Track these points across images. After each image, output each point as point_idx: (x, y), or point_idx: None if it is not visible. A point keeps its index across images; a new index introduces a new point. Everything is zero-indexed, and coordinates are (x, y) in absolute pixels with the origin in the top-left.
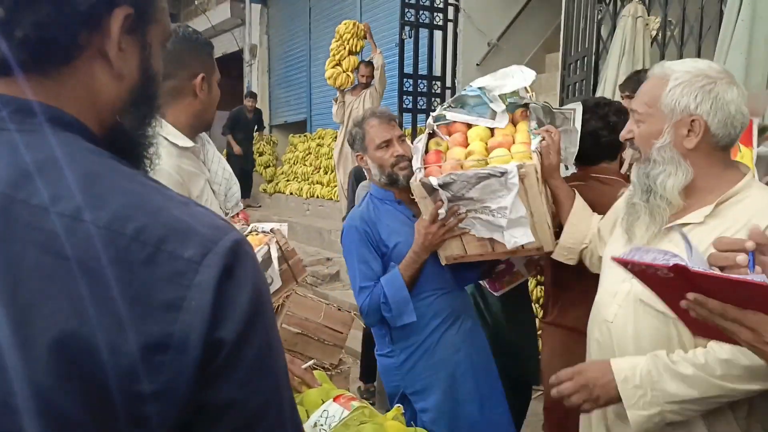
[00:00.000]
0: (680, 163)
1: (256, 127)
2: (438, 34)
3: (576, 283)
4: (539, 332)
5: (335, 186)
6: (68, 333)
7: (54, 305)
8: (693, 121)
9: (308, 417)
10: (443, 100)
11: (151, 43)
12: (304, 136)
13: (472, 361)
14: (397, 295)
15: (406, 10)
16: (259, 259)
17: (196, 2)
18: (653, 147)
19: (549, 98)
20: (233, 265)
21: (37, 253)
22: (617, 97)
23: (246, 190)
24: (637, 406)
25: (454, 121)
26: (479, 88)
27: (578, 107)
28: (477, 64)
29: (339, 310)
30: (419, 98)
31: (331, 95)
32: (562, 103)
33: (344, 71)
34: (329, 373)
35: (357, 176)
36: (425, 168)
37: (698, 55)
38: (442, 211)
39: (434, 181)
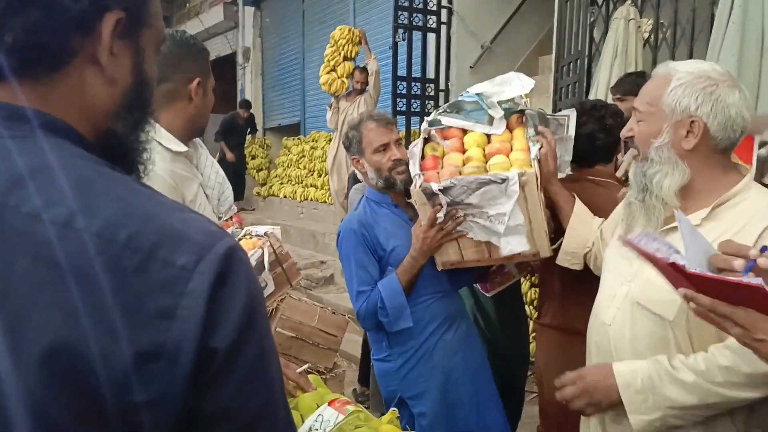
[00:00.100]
0: (677, 164)
1: (249, 130)
2: (431, 37)
3: (571, 285)
4: (533, 334)
5: (329, 189)
6: (60, 342)
7: (45, 313)
8: (692, 122)
9: (303, 421)
10: (437, 103)
11: (144, 48)
12: (298, 138)
13: (468, 364)
14: (395, 300)
15: (400, 12)
16: (253, 262)
17: (186, 6)
18: (651, 146)
19: (542, 100)
20: (227, 272)
21: (28, 261)
22: (610, 100)
23: (239, 192)
24: (638, 410)
25: (450, 126)
26: (477, 94)
27: (572, 114)
28: (470, 67)
29: (333, 313)
30: (413, 101)
31: (324, 98)
32: (555, 106)
33: (339, 77)
34: (324, 377)
35: (357, 179)
36: (423, 174)
37: (690, 58)
38: (440, 215)
39: (435, 186)
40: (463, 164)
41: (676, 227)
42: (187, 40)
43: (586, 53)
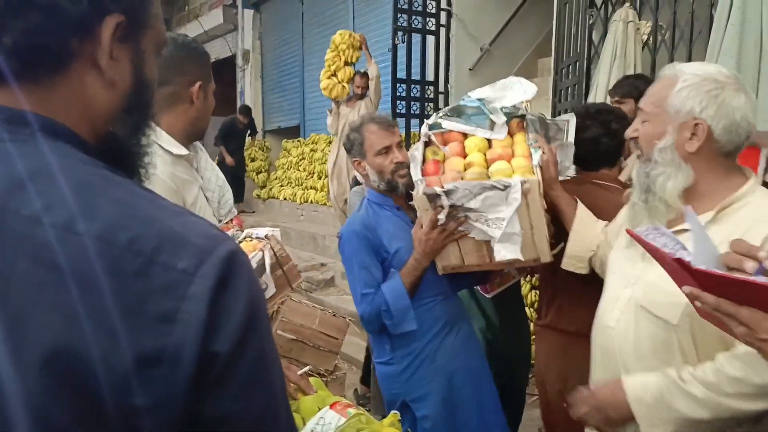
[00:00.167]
0: (681, 166)
1: (249, 132)
2: (431, 39)
3: (571, 286)
4: (533, 336)
5: (328, 192)
6: (60, 345)
7: (46, 316)
8: (696, 124)
9: (304, 424)
10: (436, 105)
11: (144, 51)
12: (298, 141)
13: (469, 366)
14: (399, 302)
15: (399, 15)
16: (254, 265)
17: (186, 8)
18: (655, 147)
19: (541, 102)
20: (228, 275)
21: (29, 265)
22: (608, 102)
23: (239, 195)
24: (651, 424)
25: (450, 131)
26: (479, 99)
27: (572, 118)
28: (469, 69)
29: (334, 316)
30: (412, 103)
31: (324, 100)
32: (554, 108)
33: (340, 82)
34: (324, 379)
35: (357, 183)
36: (425, 179)
37: (689, 60)
38: (441, 217)
39: (438, 189)
40: (465, 169)
41: (680, 230)
42: (189, 44)
43: (585, 55)
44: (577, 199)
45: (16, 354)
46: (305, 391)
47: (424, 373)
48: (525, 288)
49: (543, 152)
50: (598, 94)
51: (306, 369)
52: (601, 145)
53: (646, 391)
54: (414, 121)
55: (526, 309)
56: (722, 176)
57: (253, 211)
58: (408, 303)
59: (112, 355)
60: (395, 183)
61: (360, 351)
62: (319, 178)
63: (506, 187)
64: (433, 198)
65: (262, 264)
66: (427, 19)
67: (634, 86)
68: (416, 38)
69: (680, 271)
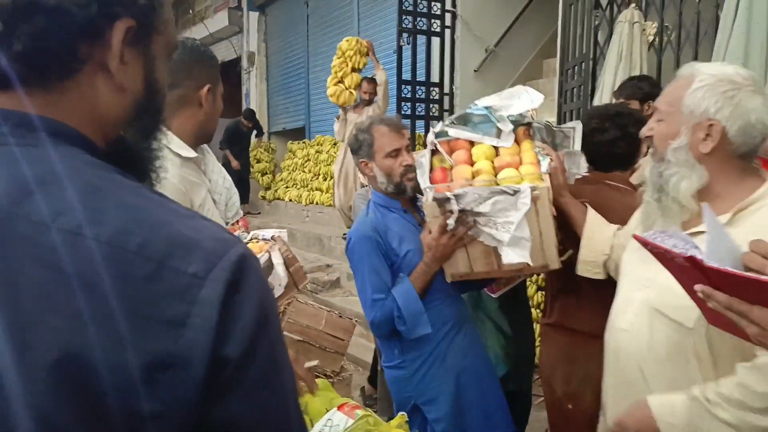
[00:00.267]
0: (695, 167)
1: (255, 133)
2: (435, 41)
3: (578, 285)
4: (538, 337)
5: (333, 194)
6: (69, 350)
7: (55, 322)
8: (711, 125)
9: (312, 426)
10: (441, 107)
11: (155, 56)
12: (303, 142)
13: (477, 366)
14: (412, 307)
15: (404, 17)
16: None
17: (191, 11)
18: (669, 147)
19: (546, 103)
20: (239, 279)
21: (39, 270)
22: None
23: (244, 196)
24: None
25: (457, 138)
26: (486, 107)
27: (577, 126)
28: (474, 71)
29: (340, 316)
30: (417, 105)
31: (330, 102)
32: (560, 109)
33: (347, 88)
34: (331, 380)
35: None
36: (434, 187)
37: (695, 61)
38: (450, 222)
39: (448, 193)
40: (473, 177)
41: (695, 233)
42: (198, 48)
43: (591, 56)
44: (587, 205)
45: (24, 358)
46: (309, 386)
47: (435, 374)
48: (531, 289)
49: (551, 159)
50: (604, 96)
51: (314, 363)
52: (618, 148)
53: (675, 415)
54: (419, 123)
55: (533, 310)
56: (737, 178)
57: (259, 213)
58: (421, 307)
59: (121, 360)
60: (404, 186)
61: (366, 352)
62: (325, 179)
63: (516, 192)
64: (442, 203)
65: (269, 265)
66: (432, 20)
67: (638, 88)
68: (421, 40)
69: (691, 270)
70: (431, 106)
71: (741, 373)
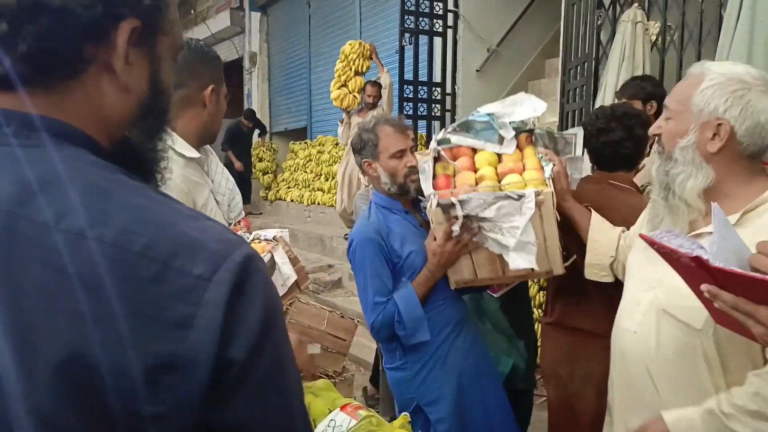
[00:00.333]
0: (701, 166)
1: (259, 132)
2: (438, 41)
3: (579, 284)
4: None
5: (336, 193)
6: (73, 352)
7: (59, 324)
8: (719, 125)
9: (315, 426)
10: (443, 107)
11: (160, 56)
12: (305, 143)
13: (478, 367)
14: (413, 313)
15: (406, 17)
16: None
17: (193, 12)
18: (677, 146)
19: (549, 103)
20: (244, 281)
21: (43, 271)
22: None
23: (246, 196)
24: None
25: (459, 145)
26: (488, 114)
27: (579, 132)
28: (477, 70)
29: (342, 317)
30: (420, 104)
31: (331, 102)
32: (562, 108)
33: (351, 92)
34: (333, 380)
35: None
36: (437, 193)
37: (698, 60)
38: (456, 228)
39: (453, 199)
40: (476, 183)
41: (701, 234)
42: (202, 48)
43: (593, 56)
44: (591, 209)
45: (27, 360)
46: (307, 372)
47: (437, 376)
48: (533, 289)
49: (554, 164)
50: (607, 95)
51: (317, 349)
52: (623, 149)
53: (692, 431)
54: (421, 123)
55: (534, 310)
56: (746, 178)
57: (260, 213)
58: (422, 314)
59: (126, 362)
60: (407, 187)
61: (368, 352)
62: (327, 179)
63: (520, 197)
64: (447, 209)
65: (271, 265)
66: (435, 20)
67: (640, 88)
68: (423, 40)
69: (697, 270)
70: (433, 106)
71: (754, 382)
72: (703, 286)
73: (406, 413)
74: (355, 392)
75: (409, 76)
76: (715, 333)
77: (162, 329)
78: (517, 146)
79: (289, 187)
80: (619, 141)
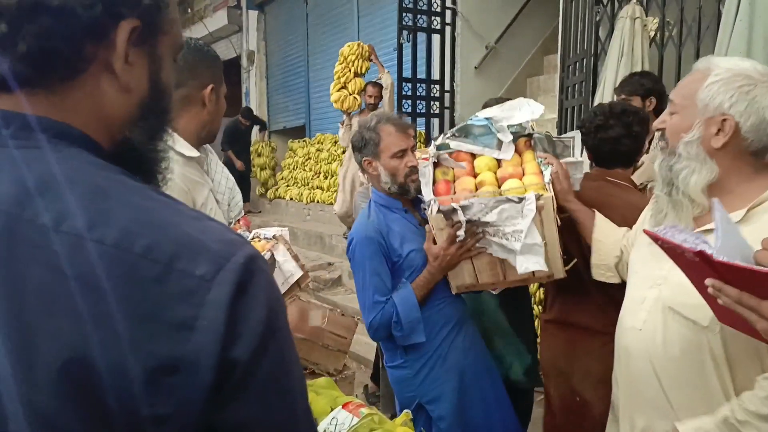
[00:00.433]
0: (705, 161)
1: (259, 128)
2: (436, 38)
3: (578, 280)
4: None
5: (335, 191)
6: (75, 354)
7: (61, 326)
8: (724, 120)
9: (317, 424)
10: (442, 104)
11: (161, 56)
12: (304, 141)
13: (478, 365)
14: (410, 315)
15: (404, 14)
16: None
17: (190, 10)
18: (681, 140)
19: (548, 99)
20: (246, 281)
21: (44, 273)
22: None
23: (245, 194)
24: None
25: (459, 151)
26: (486, 118)
27: (577, 135)
28: (475, 67)
29: (342, 315)
30: (418, 102)
31: (329, 100)
32: (561, 105)
33: (351, 94)
34: (334, 378)
35: None
36: (438, 199)
37: (697, 56)
38: (461, 233)
39: (454, 204)
40: (476, 188)
41: (706, 230)
42: (201, 47)
43: (592, 52)
44: (595, 211)
45: (29, 362)
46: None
47: (438, 374)
48: (533, 286)
49: (552, 166)
50: (606, 91)
51: (317, 320)
52: (622, 146)
53: None
54: (420, 120)
55: (534, 306)
56: (750, 174)
57: (260, 211)
58: (419, 316)
59: (129, 364)
60: (408, 186)
61: (368, 349)
62: (326, 177)
63: (521, 200)
64: (449, 215)
65: (271, 264)
66: (433, 17)
67: (639, 84)
68: (421, 37)
69: (701, 266)
70: (432, 103)
71: (765, 385)
72: (708, 280)
73: (407, 410)
74: (356, 390)
75: (407, 73)
76: (722, 330)
77: (164, 330)
78: (516, 151)
79: (288, 186)
80: (617, 138)
